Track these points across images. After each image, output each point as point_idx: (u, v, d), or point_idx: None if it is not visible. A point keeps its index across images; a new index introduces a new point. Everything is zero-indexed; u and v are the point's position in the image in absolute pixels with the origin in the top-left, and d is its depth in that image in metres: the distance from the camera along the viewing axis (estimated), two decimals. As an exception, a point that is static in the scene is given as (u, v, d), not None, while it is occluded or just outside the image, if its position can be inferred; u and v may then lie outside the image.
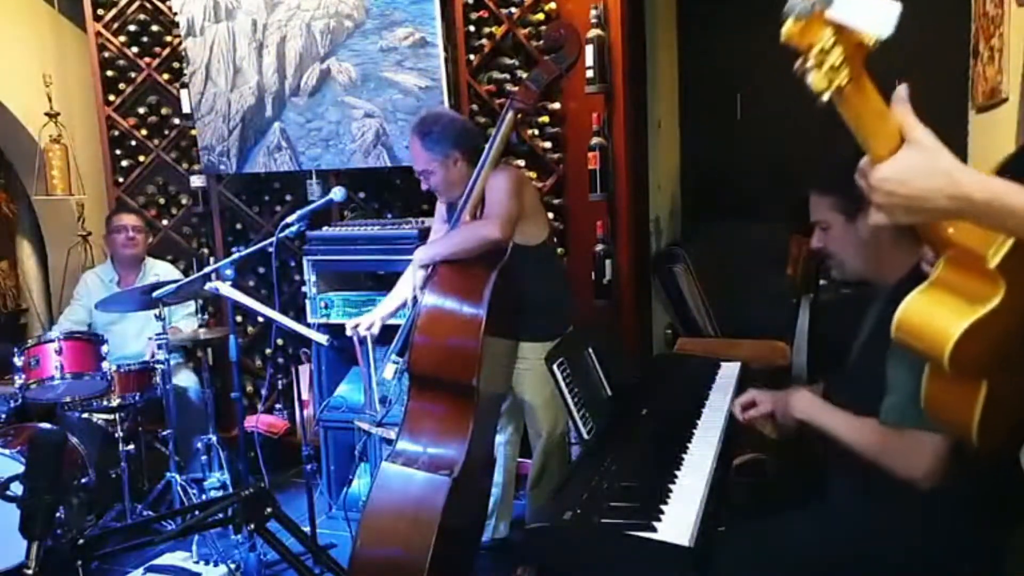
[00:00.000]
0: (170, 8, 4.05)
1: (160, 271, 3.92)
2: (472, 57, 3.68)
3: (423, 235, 3.27)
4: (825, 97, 0.96)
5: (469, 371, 2.30)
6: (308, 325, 3.34)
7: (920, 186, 1.01)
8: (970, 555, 1.67)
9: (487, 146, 2.61)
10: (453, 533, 2.27)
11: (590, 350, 2.25)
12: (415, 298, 2.53)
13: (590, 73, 3.39)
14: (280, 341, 4.16)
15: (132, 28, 4.23)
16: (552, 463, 2.88)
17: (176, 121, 4.27)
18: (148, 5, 4.20)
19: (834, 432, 1.76)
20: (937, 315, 1.15)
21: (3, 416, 3.38)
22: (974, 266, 1.12)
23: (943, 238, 1.15)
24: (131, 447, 3.38)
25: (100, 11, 4.20)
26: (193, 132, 4.09)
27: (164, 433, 3.41)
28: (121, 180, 4.33)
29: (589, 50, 3.37)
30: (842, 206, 1.76)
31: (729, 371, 2.61)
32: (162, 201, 4.39)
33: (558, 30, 2.76)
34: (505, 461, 3.00)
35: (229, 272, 3.01)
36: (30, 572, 1.41)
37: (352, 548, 2.28)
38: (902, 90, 1.03)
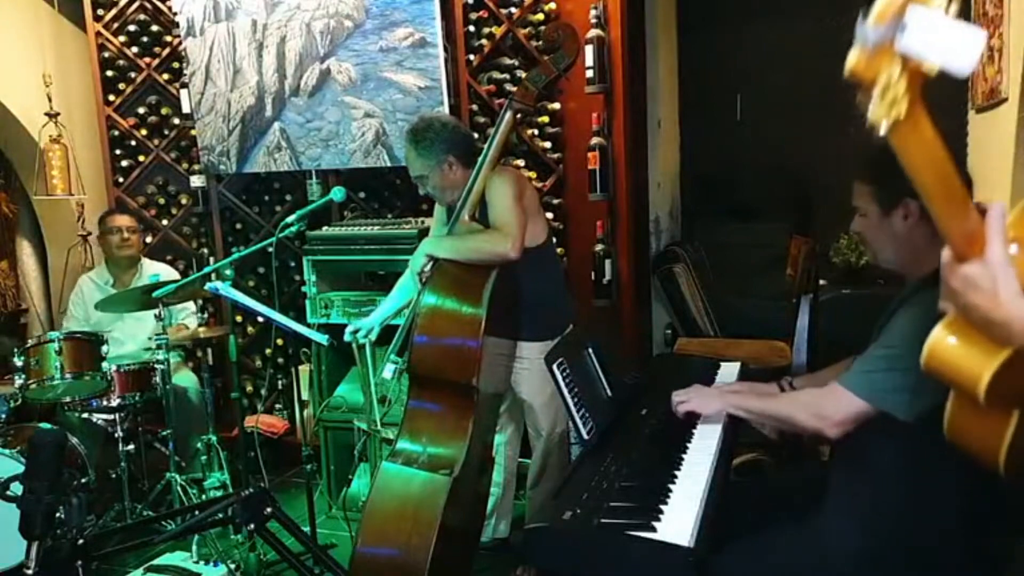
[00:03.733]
0: (170, 8, 4.05)
1: (157, 272, 3.90)
2: (472, 57, 3.68)
3: (423, 235, 3.26)
4: (883, 131, 0.91)
5: (469, 371, 2.30)
6: (308, 325, 3.34)
7: (970, 299, 1.08)
8: (970, 565, 1.67)
9: (486, 147, 2.61)
10: (453, 532, 2.27)
11: (590, 350, 2.25)
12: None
13: (590, 73, 3.39)
14: (280, 341, 4.16)
15: (132, 28, 4.24)
16: (552, 463, 2.88)
17: (176, 121, 4.27)
18: (148, 5, 4.20)
19: (753, 410, 1.92)
20: (971, 347, 1.11)
21: (3, 416, 3.38)
22: None
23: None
24: (131, 447, 3.38)
25: (100, 11, 4.20)
26: (193, 132, 4.09)
27: (164, 433, 3.41)
28: (121, 180, 4.33)
29: (589, 50, 3.37)
30: (879, 197, 1.76)
31: (729, 371, 2.60)
32: (162, 201, 4.39)
33: (556, 31, 2.75)
34: (505, 461, 3.00)
35: (229, 272, 3.01)
36: (30, 572, 1.41)
37: (352, 548, 2.28)
38: (1000, 208, 1.07)
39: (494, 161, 2.59)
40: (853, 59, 0.88)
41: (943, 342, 1.14)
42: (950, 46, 0.85)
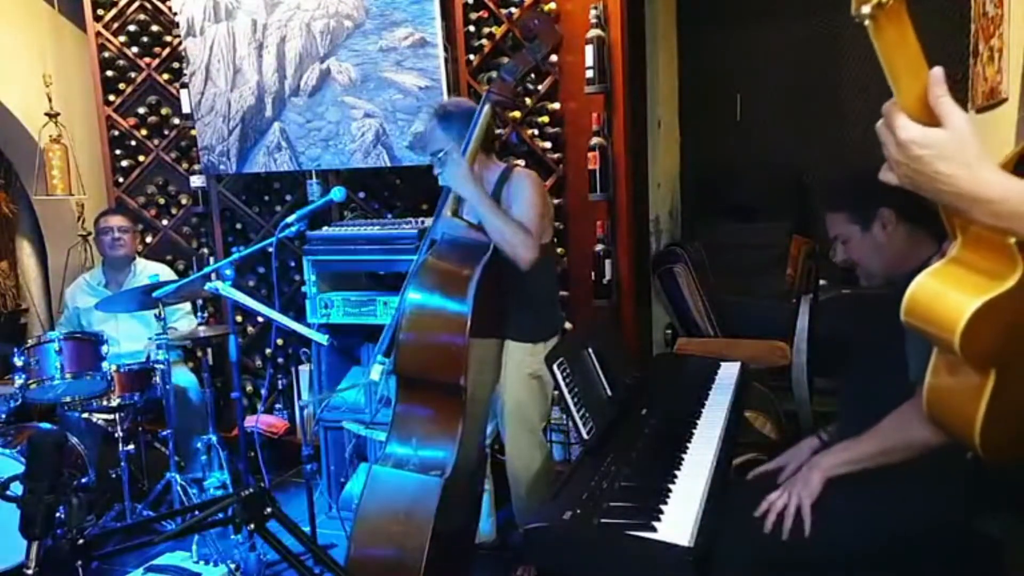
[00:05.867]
0: (170, 8, 4.05)
1: (152, 272, 3.87)
2: (472, 57, 3.68)
3: (423, 235, 3.27)
4: (866, 9, 0.92)
5: (456, 370, 2.27)
6: (308, 325, 3.34)
7: (940, 169, 1.01)
8: (967, 549, 1.68)
9: (464, 141, 2.58)
10: (447, 533, 2.26)
11: (590, 350, 2.25)
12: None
13: (590, 73, 3.39)
14: (280, 341, 4.16)
15: (132, 28, 4.24)
16: (538, 490, 2.80)
17: (176, 121, 4.27)
18: (148, 5, 4.20)
19: (873, 453, 1.73)
20: (950, 293, 1.09)
21: (3, 416, 3.38)
22: (993, 244, 1.07)
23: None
24: (131, 447, 3.38)
25: (100, 11, 4.20)
26: (193, 132, 4.09)
27: (164, 433, 3.40)
28: (121, 180, 4.34)
29: (589, 50, 3.37)
30: (855, 218, 1.86)
31: (729, 371, 2.61)
32: (162, 201, 4.39)
33: (533, 19, 2.73)
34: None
35: (229, 272, 3.01)
36: (30, 572, 1.41)
37: (347, 550, 2.27)
38: (938, 72, 1.01)
39: (473, 156, 2.57)
40: None
41: (920, 294, 1.13)
42: None
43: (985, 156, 1.01)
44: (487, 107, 2.56)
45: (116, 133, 4.32)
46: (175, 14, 3.98)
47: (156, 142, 4.30)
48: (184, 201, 4.36)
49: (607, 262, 3.49)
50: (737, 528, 1.79)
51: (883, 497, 1.72)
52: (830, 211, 1.92)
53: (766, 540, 1.79)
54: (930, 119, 1.02)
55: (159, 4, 4.16)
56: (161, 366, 3.36)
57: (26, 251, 4.73)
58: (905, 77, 1.00)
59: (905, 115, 1.02)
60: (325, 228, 3.67)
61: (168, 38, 4.20)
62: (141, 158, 4.34)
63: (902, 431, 1.68)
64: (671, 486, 1.77)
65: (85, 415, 3.49)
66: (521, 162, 3.67)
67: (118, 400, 3.38)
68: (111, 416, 3.43)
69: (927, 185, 1.03)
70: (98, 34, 4.20)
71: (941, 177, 1.01)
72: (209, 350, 3.60)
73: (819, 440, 2.09)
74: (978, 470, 1.63)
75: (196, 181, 4.16)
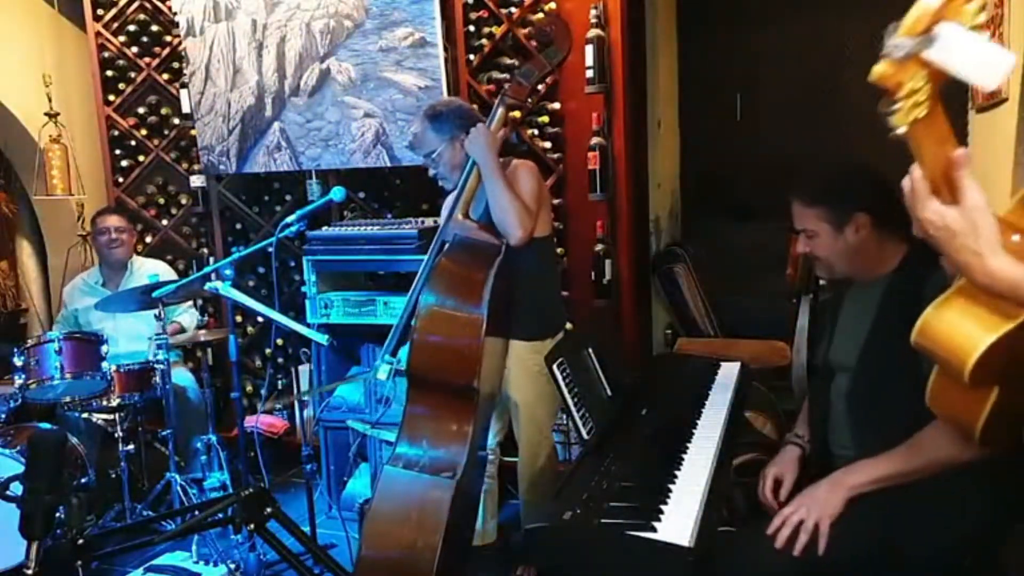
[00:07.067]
0: (170, 8, 4.05)
1: (151, 270, 3.86)
2: (472, 57, 3.68)
3: (423, 235, 3.27)
4: (901, 131, 0.97)
5: (469, 372, 2.27)
6: (308, 325, 3.34)
7: (952, 251, 1.08)
8: (972, 549, 1.68)
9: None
10: (453, 535, 2.26)
11: (590, 350, 2.25)
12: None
13: (590, 73, 3.39)
14: (280, 341, 4.16)
15: (132, 28, 4.24)
16: (542, 480, 2.81)
17: (176, 121, 4.27)
18: (148, 5, 4.20)
19: (900, 472, 1.70)
20: (962, 326, 1.15)
21: (3, 416, 3.38)
22: None
23: None
24: (131, 447, 3.38)
25: (100, 11, 4.21)
26: (193, 132, 4.09)
27: (164, 433, 3.40)
28: (121, 180, 4.34)
29: (589, 50, 3.37)
30: (829, 217, 1.84)
31: (729, 371, 2.61)
32: (162, 201, 4.39)
33: (548, 24, 2.73)
34: (488, 466, 2.95)
35: (228, 272, 3.00)
36: (30, 572, 1.41)
37: (357, 552, 2.27)
38: (962, 153, 1.05)
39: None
40: (881, 67, 0.93)
41: (934, 321, 1.18)
42: (979, 62, 0.91)
43: (995, 242, 1.06)
44: (501, 110, 2.57)
45: (116, 133, 4.32)
46: (175, 14, 3.97)
47: (156, 142, 4.30)
48: (184, 201, 4.36)
49: (607, 262, 3.49)
50: (738, 528, 1.79)
51: (906, 510, 1.70)
52: (802, 204, 1.88)
53: (766, 540, 1.78)
54: (950, 191, 1.07)
55: (159, 4, 4.15)
56: (161, 366, 3.35)
57: (26, 251, 4.73)
58: (931, 148, 1.04)
59: (928, 184, 1.07)
60: (325, 228, 3.66)
61: (168, 38, 4.20)
62: (141, 158, 4.34)
63: (930, 451, 1.65)
64: (671, 486, 1.77)
65: (85, 415, 3.49)
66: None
67: (118, 400, 3.38)
68: (111, 416, 3.43)
69: (947, 256, 1.11)
70: (98, 34, 4.20)
71: (955, 258, 1.09)
72: (209, 350, 3.60)
73: (799, 447, 2.02)
74: (1006, 485, 1.63)
75: (196, 181, 4.16)
